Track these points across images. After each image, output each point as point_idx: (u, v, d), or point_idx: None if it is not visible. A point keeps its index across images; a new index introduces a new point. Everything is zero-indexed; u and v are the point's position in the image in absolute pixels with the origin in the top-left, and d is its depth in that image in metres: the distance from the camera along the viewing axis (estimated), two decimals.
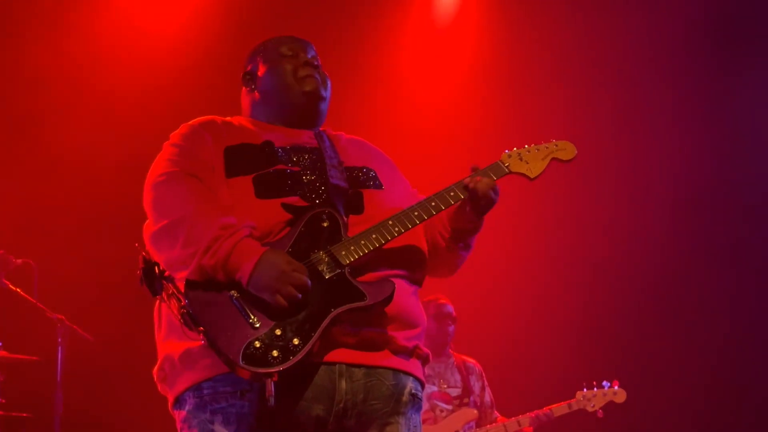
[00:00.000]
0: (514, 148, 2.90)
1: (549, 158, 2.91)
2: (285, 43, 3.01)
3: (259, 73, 2.99)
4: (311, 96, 2.91)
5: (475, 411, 6.00)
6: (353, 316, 2.51)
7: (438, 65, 7.88)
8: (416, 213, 2.67)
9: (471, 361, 6.24)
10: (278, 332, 2.40)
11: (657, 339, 7.50)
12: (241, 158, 2.71)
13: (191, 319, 2.43)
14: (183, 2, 7.35)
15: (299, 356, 2.37)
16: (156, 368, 2.67)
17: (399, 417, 2.58)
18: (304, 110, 2.92)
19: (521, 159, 2.88)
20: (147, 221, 2.66)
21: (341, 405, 2.49)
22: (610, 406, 6.07)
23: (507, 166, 2.85)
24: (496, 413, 6.17)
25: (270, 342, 2.38)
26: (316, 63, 2.98)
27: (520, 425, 6.02)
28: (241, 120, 2.94)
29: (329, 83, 2.99)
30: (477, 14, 7.87)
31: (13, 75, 6.70)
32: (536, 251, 7.60)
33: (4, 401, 6.02)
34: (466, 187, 2.73)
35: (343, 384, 2.50)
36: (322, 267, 2.52)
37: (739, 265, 7.51)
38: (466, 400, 6.03)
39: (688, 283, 7.56)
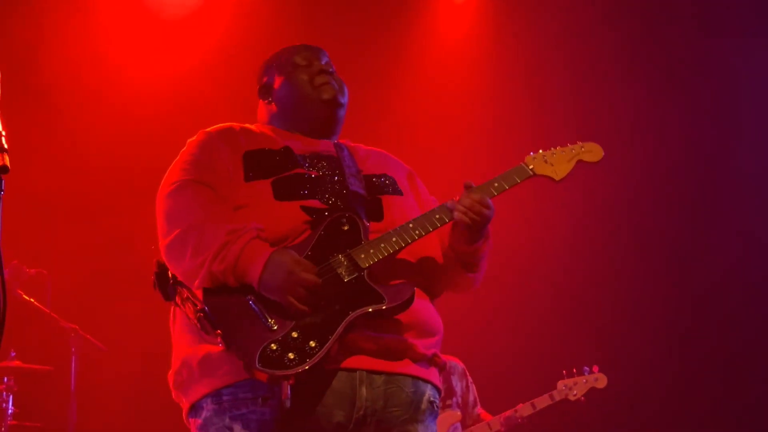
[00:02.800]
0: (540, 151, 2.84)
1: (575, 160, 2.87)
2: (298, 53, 2.99)
3: (275, 85, 2.98)
4: (330, 103, 2.89)
5: (459, 413, 5.91)
6: (372, 321, 2.49)
7: (457, 67, 7.87)
8: (437, 216, 2.65)
9: (453, 359, 6.10)
10: (295, 335, 2.39)
11: (636, 324, 7.42)
12: (260, 162, 2.71)
13: (209, 323, 2.42)
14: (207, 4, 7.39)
15: (316, 359, 2.36)
16: (172, 372, 2.66)
17: (417, 425, 2.57)
18: (324, 118, 2.90)
19: (546, 161, 2.83)
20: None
21: (361, 412, 2.48)
22: (592, 392, 5.96)
23: (531, 169, 2.80)
24: (479, 410, 6.09)
25: (287, 344, 2.37)
26: (331, 70, 2.96)
27: (490, 428, 5.96)
28: (261, 127, 2.93)
29: (346, 88, 2.97)
30: (494, 18, 7.88)
31: (28, 81, 6.71)
32: (511, 244, 7.58)
33: (17, 411, 6.02)
34: (451, 211, 2.64)
35: (364, 391, 2.49)
36: (341, 270, 2.52)
37: (721, 254, 7.47)
38: (448, 402, 5.95)
39: (666, 268, 7.53)
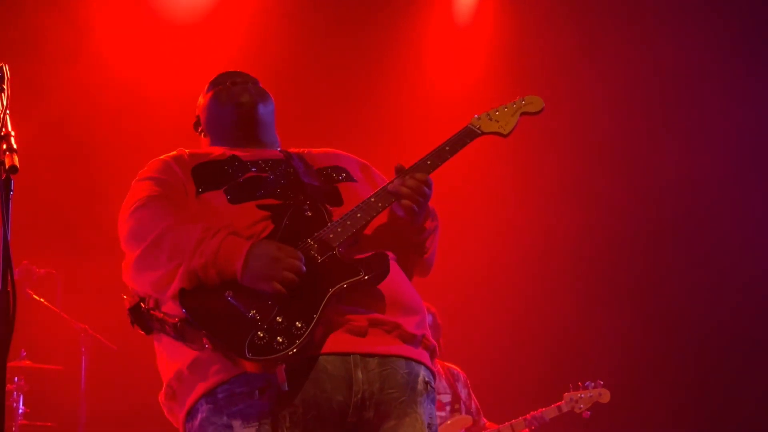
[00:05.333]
0: (483, 112, 2.92)
1: (518, 113, 2.92)
2: (218, 76, 3.10)
3: (201, 111, 3.08)
4: (246, 105, 2.96)
5: (470, 418, 5.93)
6: (356, 299, 2.50)
7: (459, 62, 7.87)
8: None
9: (455, 368, 6.15)
10: (280, 319, 2.39)
11: (642, 337, 7.43)
12: (210, 174, 2.75)
13: (191, 328, 2.43)
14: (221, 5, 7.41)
15: (305, 338, 2.36)
16: (162, 392, 2.65)
17: (416, 406, 2.56)
18: (246, 120, 2.96)
19: (491, 119, 2.90)
20: (126, 257, 2.66)
21: (359, 395, 2.47)
22: (597, 406, 6.04)
23: (479, 128, 2.86)
24: (484, 420, 6.10)
25: (273, 330, 2.37)
26: (247, 81, 3.04)
27: (513, 429, 5.97)
28: (207, 147, 3.00)
29: (268, 94, 3.04)
30: (494, 14, 7.88)
31: (44, 84, 6.73)
32: (517, 255, 7.58)
33: (28, 410, 6.05)
34: (393, 194, 2.64)
35: (359, 374, 2.48)
36: (313, 252, 2.53)
37: (725, 264, 7.46)
38: (456, 406, 5.97)
39: (671, 281, 7.52)
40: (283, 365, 2.33)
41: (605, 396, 6.05)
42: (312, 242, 2.55)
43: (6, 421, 5.83)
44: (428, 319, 6.00)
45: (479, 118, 2.89)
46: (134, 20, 7.17)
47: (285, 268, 2.43)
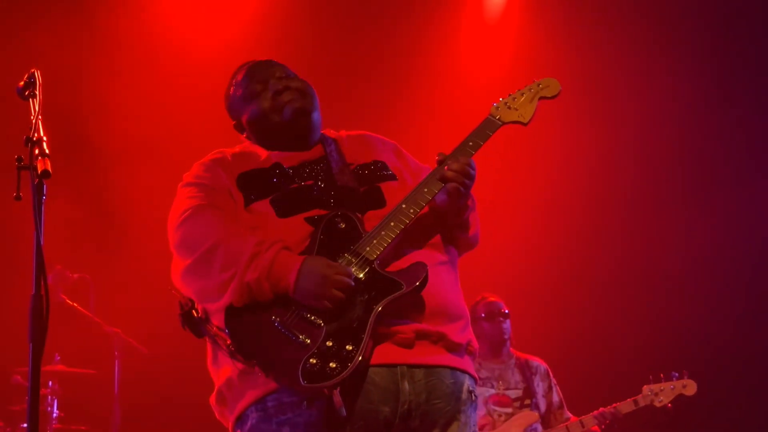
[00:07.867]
0: (500, 99, 2.90)
1: (536, 99, 2.90)
2: (252, 77, 2.98)
3: (245, 121, 2.99)
4: (296, 121, 2.88)
5: (536, 413, 5.65)
6: (401, 310, 2.52)
7: (487, 54, 7.83)
8: (426, 190, 2.68)
9: (536, 360, 5.92)
10: (330, 343, 2.43)
11: (727, 327, 7.20)
12: (256, 183, 2.75)
13: (241, 354, 2.47)
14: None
15: (356, 361, 2.40)
16: (213, 396, 2.69)
17: (460, 415, 2.60)
18: (297, 134, 2.89)
19: (510, 107, 2.88)
20: (174, 260, 2.67)
21: (406, 406, 2.51)
22: (680, 400, 5.58)
23: (498, 119, 2.85)
24: (568, 413, 5.83)
25: (325, 355, 2.41)
26: (285, 81, 2.93)
27: (583, 426, 5.64)
28: (250, 147, 2.94)
29: (311, 89, 2.96)
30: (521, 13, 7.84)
31: (67, 89, 6.76)
32: (596, 245, 7.49)
33: (62, 414, 6.08)
34: (439, 182, 2.66)
35: (406, 385, 2.51)
36: (353, 268, 2.54)
37: None
38: (527, 402, 5.73)
39: (757, 270, 7.36)
40: (338, 389, 2.37)
41: (691, 387, 5.56)
42: (350, 257, 2.57)
43: (41, 426, 5.88)
44: (498, 305, 5.88)
45: (497, 108, 2.88)
46: None
47: (334, 285, 2.47)
